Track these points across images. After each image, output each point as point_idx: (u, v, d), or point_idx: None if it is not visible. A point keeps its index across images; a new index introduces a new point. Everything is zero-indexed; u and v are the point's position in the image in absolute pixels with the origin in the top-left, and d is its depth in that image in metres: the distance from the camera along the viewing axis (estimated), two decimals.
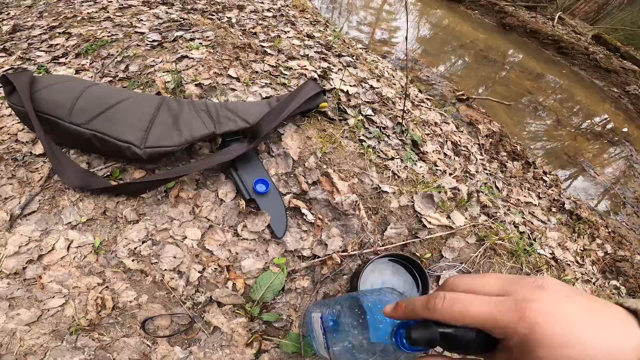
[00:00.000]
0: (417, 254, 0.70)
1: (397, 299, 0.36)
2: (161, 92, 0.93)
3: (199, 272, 0.61)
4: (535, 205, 1.28)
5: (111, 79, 1.04)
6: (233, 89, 0.97)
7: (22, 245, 0.63)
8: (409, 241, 0.70)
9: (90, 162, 0.72)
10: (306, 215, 0.68)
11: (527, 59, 3.19)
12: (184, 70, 1.02)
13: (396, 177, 0.79)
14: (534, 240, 0.88)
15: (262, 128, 0.76)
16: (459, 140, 1.42)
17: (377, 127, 0.98)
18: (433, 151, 1.07)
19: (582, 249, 1.18)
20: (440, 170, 0.95)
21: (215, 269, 0.62)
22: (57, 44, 1.22)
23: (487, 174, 1.31)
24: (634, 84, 3.04)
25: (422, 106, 1.58)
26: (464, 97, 2.23)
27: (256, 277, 0.62)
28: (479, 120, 2.01)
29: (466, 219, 0.78)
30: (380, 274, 0.63)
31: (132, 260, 0.62)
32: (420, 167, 0.87)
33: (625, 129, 2.59)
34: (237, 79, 1.01)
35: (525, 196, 1.30)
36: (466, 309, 0.21)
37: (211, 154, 0.77)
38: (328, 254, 0.64)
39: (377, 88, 1.23)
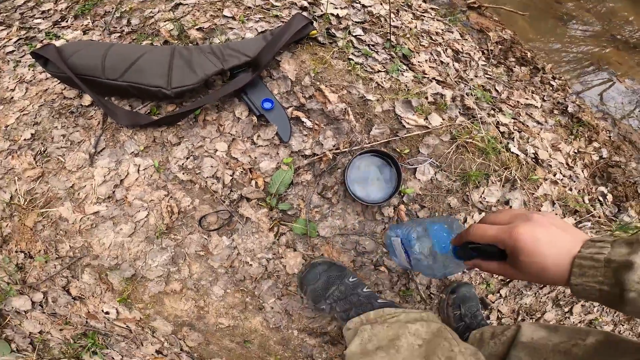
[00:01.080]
0: (398, 149, 0.94)
1: (448, 225, 0.67)
2: (168, 40, 1.14)
3: (230, 175, 0.90)
4: (537, 107, 1.43)
5: (119, 34, 1.24)
6: (231, 28, 1.16)
7: (105, 175, 0.93)
8: (390, 139, 0.93)
9: (131, 104, 0.98)
10: (305, 123, 0.92)
11: None
12: (182, 17, 1.21)
13: (380, 87, 1.00)
14: (512, 139, 1.08)
15: (262, 59, 0.98)
16: (462, 48, 1.54)
17: (367, 45, 1.15)
18: (425, 61, 1.24)
19: (576, 151, 1.33)
20: (428, 78, 1.13)
21: (242, 171, 0.90)
22: (49, 10, 1.35)
23: (487, 78, 1.45)
24: None
25: (424, 17, 1.67)
26: (476, 5, 2.23)
27: (271, 175, 0.89)
28: (490, 28, 2.05)
29: (443, 120, 0.99)
30: (366, 166, 0.88)
31: (183, 174, 0.91)
32: (406, 76, 1.06)
33: None
34: (233, 18, 1.19)
35: (527, 98, 1.44)
36: (484, 233, 0.43)
37: (224, 84, 1.01)
38: (324, 152, 0.89)
39: (369, 7, 1.36)
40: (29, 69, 1.16)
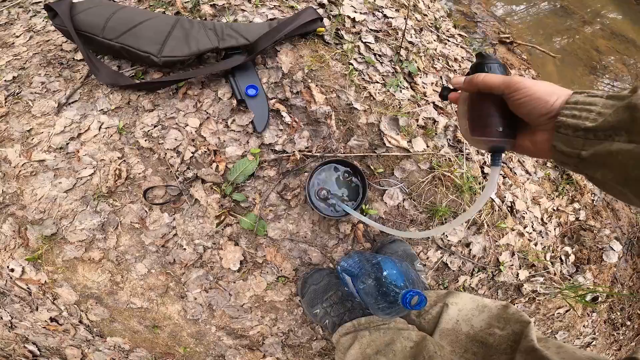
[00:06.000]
0: (372, 167, 0.84)
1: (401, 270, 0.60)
2: (180, 11, 1.07)
3: (192, 152, 0.81)
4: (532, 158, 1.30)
5: None
6: (243, 10, 1.07)
7: (66, 126, 0.85)
8: (367, 154, 0.83)
9: (120, 65, 0.91)
10: (284, 117, 0.83)
11: (622, 21, 2.60)
12: None
13: (372, 98, 0.89)
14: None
15: (260, 45, 0.89)
16: None
17: (374, 53, 1.04)
18: (431, 83, 1.12)
19: (555, 208, 1.21)
20: (427, 101, 1.01)
21: (205, 151, 0.81)
22: None
23: None
24: None
25: (449, 41, 1.54)
26: (508, 40, 2.07)
27: (235, 162, 0.80)
28: (515, 66, 1.90)
29: (428, 146, 0.88)
30: (333, 177, 0.79)
31: (145, 140, 0.83)
32: (403, 94, 0.95)
33: None
34: (249, 0, 1.10)
35: None
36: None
37: (215, 63, 0.93)
38: (294, 151, 0.80)
39: (390, 18, 1.25)
40: (42, 20, 1.11)
